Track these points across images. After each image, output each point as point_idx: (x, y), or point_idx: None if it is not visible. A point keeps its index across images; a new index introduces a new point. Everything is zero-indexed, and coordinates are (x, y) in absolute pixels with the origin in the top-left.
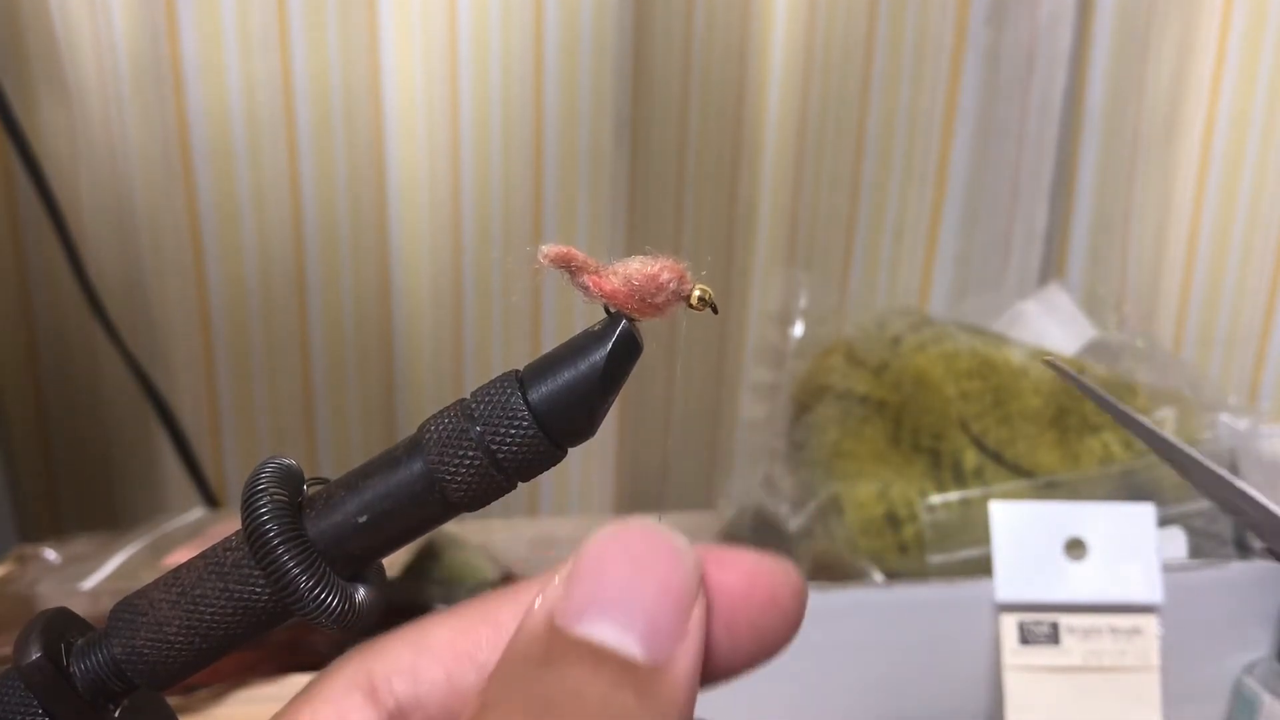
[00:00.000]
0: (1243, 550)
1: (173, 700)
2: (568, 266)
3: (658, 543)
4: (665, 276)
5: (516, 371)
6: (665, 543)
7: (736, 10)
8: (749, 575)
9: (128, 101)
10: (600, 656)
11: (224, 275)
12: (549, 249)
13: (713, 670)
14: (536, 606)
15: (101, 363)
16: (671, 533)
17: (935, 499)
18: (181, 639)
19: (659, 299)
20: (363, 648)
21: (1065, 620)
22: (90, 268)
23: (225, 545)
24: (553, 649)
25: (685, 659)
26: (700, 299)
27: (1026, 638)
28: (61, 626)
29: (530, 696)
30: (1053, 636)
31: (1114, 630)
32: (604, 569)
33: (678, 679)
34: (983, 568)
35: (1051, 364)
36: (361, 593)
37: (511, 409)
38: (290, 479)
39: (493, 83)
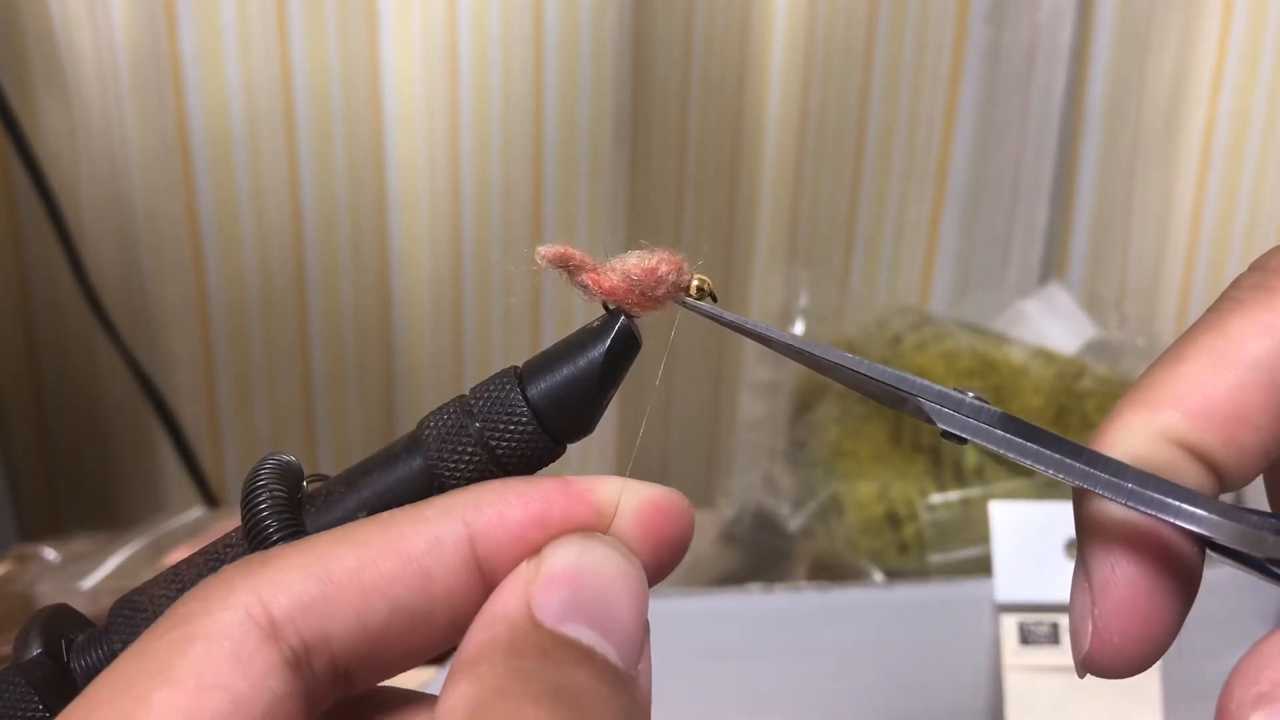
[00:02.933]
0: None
1: None
2: (566, 266)
3: (625, 562)
4: (663, 269)
5: (515, 368)
6: (632, 563)
7: (736, 10)
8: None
9: (128, 101)
10: (591, 657)
11: (224, 275)
12: (546, 250)
13: None
14: (510, 596)
15: (101, 363)
16: (626, 551)
17: (936, 498)
18: None
19: (659, 291)
20: (246, 569)
21: (1066, 620)
22: (90, 268)
23: (225, 541)
24: (544, 644)
25: (646, 675)
26: (699, 288)
27: (1026, 638)
28: (62, 623)
29: (540, 684)
30: (1053, 636)
31: None
32: (582, 578)
33: (645, 690)
34: (983, 567)
35: (683, 303)
36: None
37: (510, 405)
38: (290, 475)
39: (493, 82)
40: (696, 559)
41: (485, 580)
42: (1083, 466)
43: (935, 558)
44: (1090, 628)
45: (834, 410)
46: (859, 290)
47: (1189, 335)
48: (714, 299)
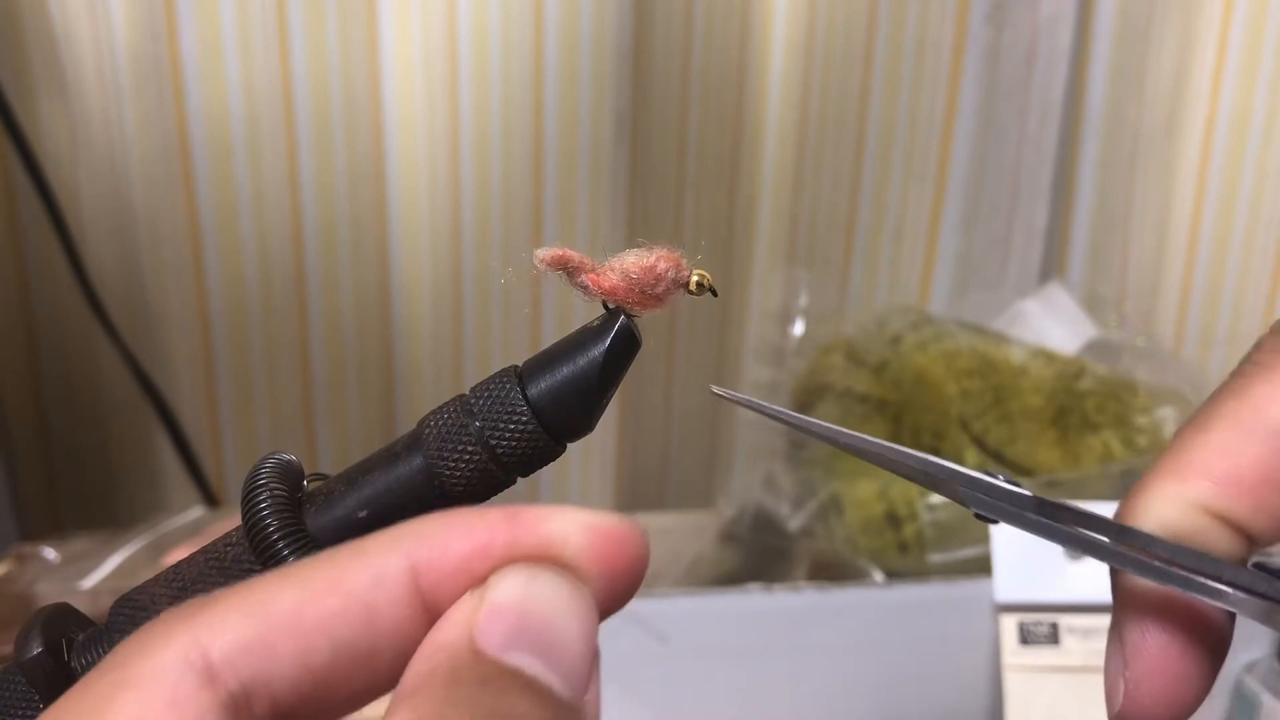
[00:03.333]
0: None
1: None
2: (565, 268)
3: (573, 591)
4: (662, 266)
5: (516, 367)
6: (580, 591)
7: (736, 10)
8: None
9: (128, 101)
10: (533, 686)
11: (224, 275)
12: (544, 253)
13: None
14: (452, 625)
15: (101, 363)
16: (575, 579)
17: (935, 498)
18: None
19: (659, 289)
20: (184, 612)
21: (1065, 620)
22: (90, 268)
23: (226, 540)
24: (486, 672)
25: (594, 704)
26: (699, 284)
27: (1026, 638)
28: (62, 622)
29: (479, 712)
30: (1052, 636)
31: None
32: (527, 607)
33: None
34: (983, 567)
35: (719, 394)
36: None
37: (511, 404)
38: (290, 474)
39: (493, 82)
40: (697, 559)
41: (430, 615)
42: (1114, 547)
43: (935, 557)
44: (1123, 688)
45: (834, 410)
46: (859, 290)
47: (1213, 401)
48: (714, 293)
